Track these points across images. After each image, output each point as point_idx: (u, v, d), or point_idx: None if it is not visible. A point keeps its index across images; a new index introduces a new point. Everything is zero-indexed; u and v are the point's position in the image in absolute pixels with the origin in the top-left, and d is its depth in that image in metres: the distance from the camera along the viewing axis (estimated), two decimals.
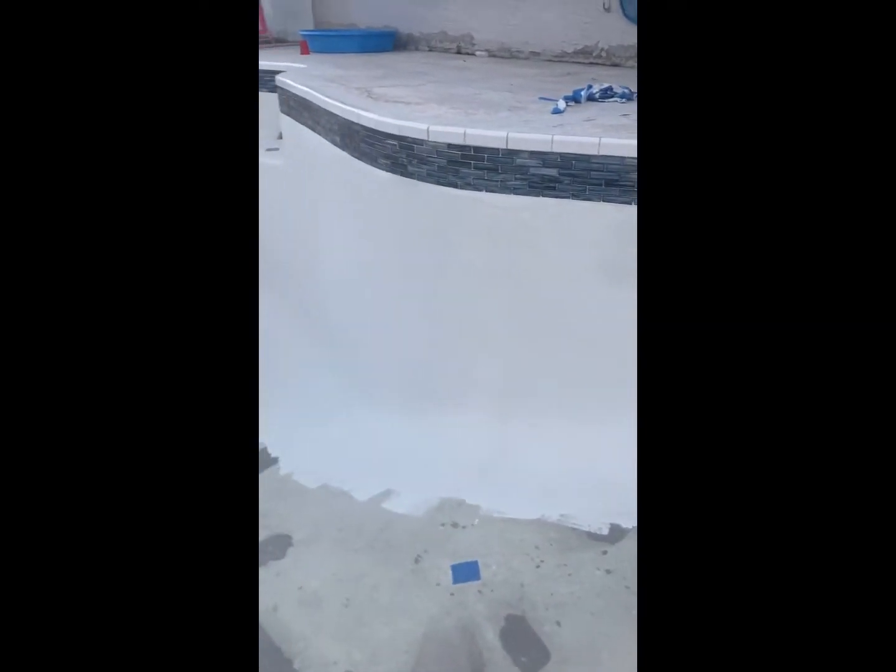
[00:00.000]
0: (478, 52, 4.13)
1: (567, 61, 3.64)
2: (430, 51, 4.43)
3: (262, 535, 2.04)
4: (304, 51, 4.10)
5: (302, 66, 3.51)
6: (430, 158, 2.06)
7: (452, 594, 1.71)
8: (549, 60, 3.74)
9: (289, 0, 4.93)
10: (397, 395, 2.50)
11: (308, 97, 2.70)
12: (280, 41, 4.75)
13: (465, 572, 1.76)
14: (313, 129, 2.75)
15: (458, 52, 4.25)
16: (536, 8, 3.71)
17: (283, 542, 1.99)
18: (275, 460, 2.47)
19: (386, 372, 2.57)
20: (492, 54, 4.07)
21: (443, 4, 4.24)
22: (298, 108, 2.89)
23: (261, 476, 2.39)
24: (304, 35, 4.20)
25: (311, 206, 2.93)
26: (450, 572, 1.78)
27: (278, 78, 3.11)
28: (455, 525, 1.95)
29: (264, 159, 3.37)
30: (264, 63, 3.65)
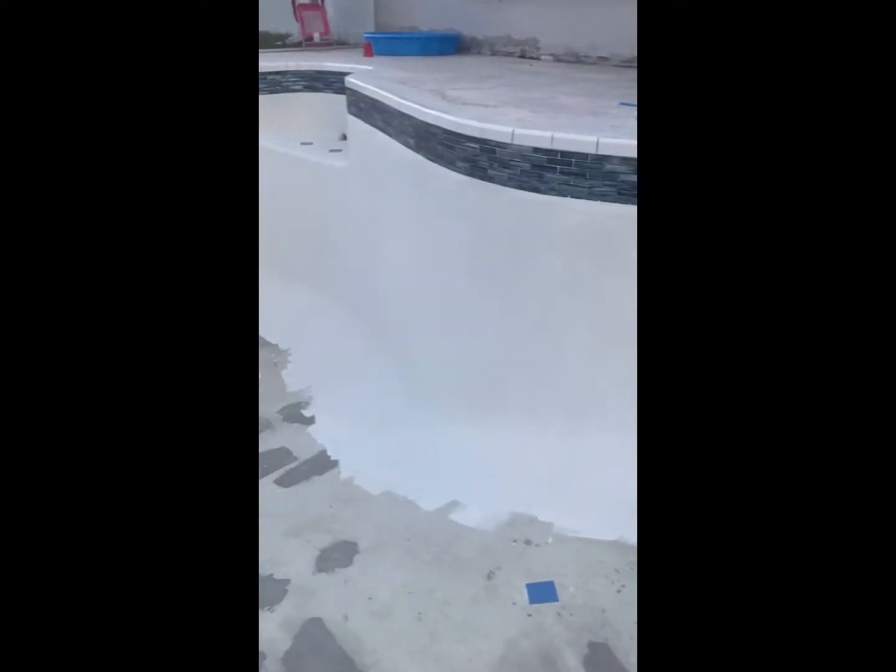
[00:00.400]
0: (543, 57, 4.07)
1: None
2: (492, 55, 4.39)
3: (327, 540, 2.01)
4: (368, 53, 4.11)
5: (368, 67, 3.51)
6: (512, 162, 2.01)
7: (530, 615, 1.64)
8: (618, 66, 3.65)
9: (351, 2, 4.96)
10: (462, 401, 2.45)
11: (381, 99, 2.67)
12: (341, 43, 4.77)
13: (542, 593, 1.69)
14: (384, 131, 2.72)
15: (522, 57, 4.20)
16: (605, 12, 3.64)
17: (349, 549, 1.95)
18: (335, 463, 2.44)
19: (451, 378, 2.52)
20: (557, 59, 4.00)
21: (507, 8, 4.19)
22: (369, 109, 2.87)
23: (321, 479, 2.36)
24: (368, 37, 4.21)
25: (377, 207, 2.91)
26: (525, 591, 1.71)
27: (348, 79, 3.10)
28: (528, 542, 1.89)
29: (328, 160, 3.37)
30: (331, 64, 3.68)
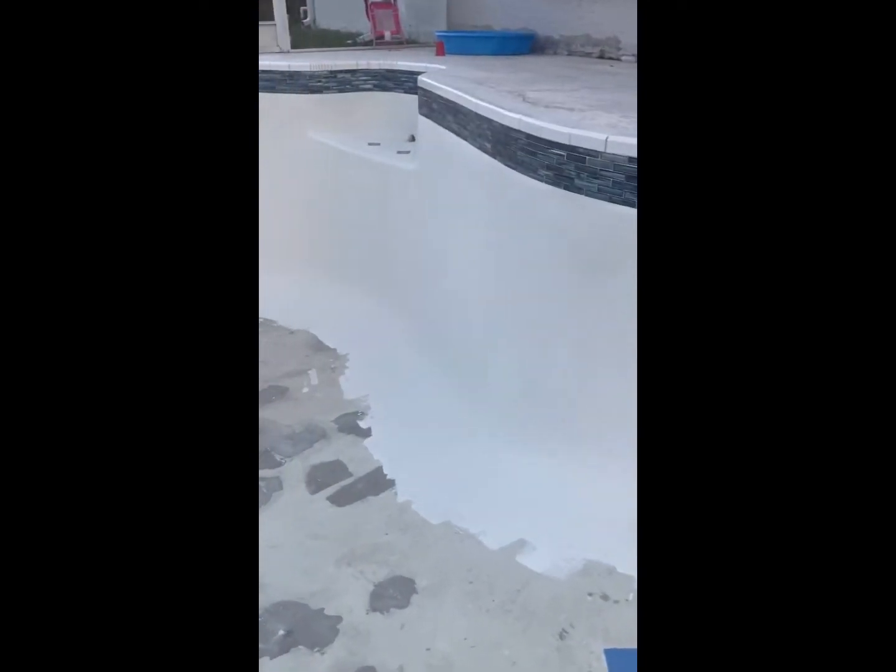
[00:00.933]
0: (623, 57, 3.83)
1: None
2: (568, 55, 4.18)
3: (382, 573, 1.87)
4: (440, 52, 3.97)
5: (441, 67, 3.37)
6: (604, 172, 1.82)
7: None
8: None
9: (423, 1, 4.85)
10: (529, 426, 2.27)
11: (457, 100, 2.52)
12: (412, 42, 4.65)
13: (624, 663, 1.50)
14: (458, 134, 2.57)
15: (601, 57, 3.97)
16: None
17: (407, 587, 1.81)
18: (391, 483, 2.30)
19: (518, 399, 2.34)
20: None
21: (587, 6, 3.98)
22: (442, 110, 2.72)
23: (377, 500, 2.23)
24: (440, 36, 4.08)
25: (446, 213, 2.76)
26: (603, 658, 1.52)
27: (421, 79, 2.97)
28: (605, 597, 1.69)
29: (396, 162, 3.25)
30: (403, 63, 3.55)
